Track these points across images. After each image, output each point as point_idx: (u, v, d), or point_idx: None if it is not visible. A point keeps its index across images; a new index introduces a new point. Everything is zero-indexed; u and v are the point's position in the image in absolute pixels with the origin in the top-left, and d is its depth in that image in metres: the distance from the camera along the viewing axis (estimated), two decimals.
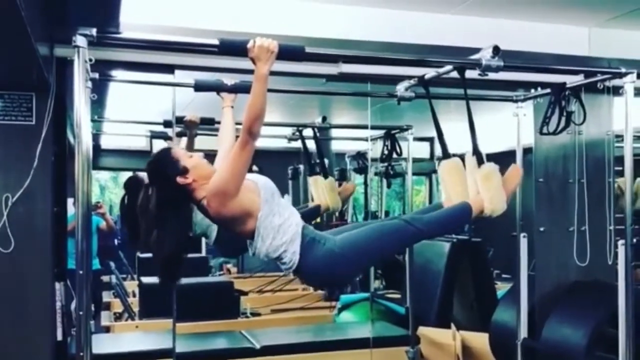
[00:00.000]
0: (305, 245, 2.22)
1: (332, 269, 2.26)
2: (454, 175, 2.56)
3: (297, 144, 4.60)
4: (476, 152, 2.57)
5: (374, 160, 4.81)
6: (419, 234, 2.41)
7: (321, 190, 4.10)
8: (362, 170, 5.79)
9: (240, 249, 2.96)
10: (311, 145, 4.54)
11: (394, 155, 4.40)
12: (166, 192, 2.14)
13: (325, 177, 4.18)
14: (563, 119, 3.10)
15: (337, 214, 6.39)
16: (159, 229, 2.12)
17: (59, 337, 3.03)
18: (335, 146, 5.89)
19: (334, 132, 5.40)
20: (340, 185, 4.48)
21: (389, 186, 5.59)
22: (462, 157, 2.64)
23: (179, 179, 2.13)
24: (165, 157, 2.20)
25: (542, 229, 3.62)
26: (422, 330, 4.25)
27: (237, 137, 2.21)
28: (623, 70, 2.79)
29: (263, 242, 2.19)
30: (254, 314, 5.21)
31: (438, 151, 6.09)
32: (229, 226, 2.27)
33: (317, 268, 2.25)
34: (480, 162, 2.54)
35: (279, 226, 2.18)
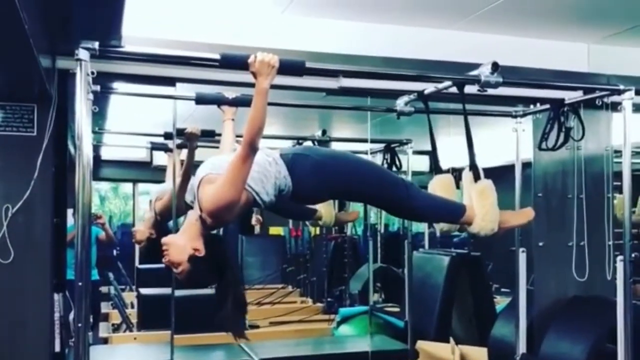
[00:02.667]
0: (290, 166, 2.22)
1: (320, 176, 2.26)
2: (445, 190, 2.57)
3: None
4: (473, 167, 2.57)
5: None
6: (405, 200, 2.38)
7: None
8: None
9: None
10: None
11: (394, 169, 4.41)
12: (215, 266, 2.17)
13: None
14: (562, 135, 3.12)
15: (336, 227, 6.41)
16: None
17: (57, 348, 3.02)
18: None
19: (334, 146, 5.40)
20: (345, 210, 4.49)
21: None
22: (462, 171, 2.66)
23: (198, 254, 2.13)
24: (190, 275, 2.17)
25: (541, 243, 3.63)
26: (421, 344, 4.25)
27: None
28: (621, 87, 2.81)
29: (262, 194, 2.17)
30: (252, 327, 5.20)
31: None
32: (236, 217, 2.28)
33: (308, 178, 2.25)
34: (476, 177, 2.54)
35: (258, 173, 2.15)
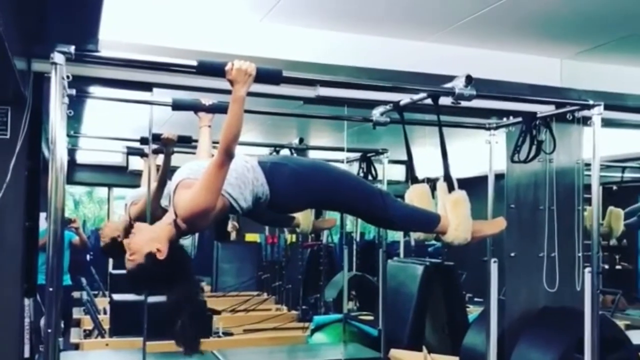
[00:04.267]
0: (268, 174, 2.23)
1: (299, 185, 2.27)
2: (422, 200, 2.61)
3: None
4: (447, 178, 2.61)
5: None
6: (382, 209, 2.39)
7: None
8: None
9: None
10: None
11: (370, 178, 4.44)
12: (168, 275, 2.11)
13: None
14: (534, 148, 3.18)
15: (312, 234, 6.42)
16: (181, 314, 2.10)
17: (26, 354, 2.98)
18: None
19: (311, 154, 5.43)
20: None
21: None
22: (436, 181, 2.69)
23: (159, 257, 2.09)
24: (140, 271, 2.11)
25: (512, 254, 3.68)
26: (394, 353, 4.27)
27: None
28: (591, 102, 2.88)
29: (239, 200, 2.17)
30: (226, 334, 5.18)
31: None
32: (211, 225, 2.26)
33: (286, 188, 2.25)
34: (450, 188, 2.58)
35: (236, 179, 2.15)
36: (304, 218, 4.00)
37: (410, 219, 2.55)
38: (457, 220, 2.47)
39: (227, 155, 2.03)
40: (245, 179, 2.18)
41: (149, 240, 2.10)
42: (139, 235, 2.13)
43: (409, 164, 2.77)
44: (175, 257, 2.13)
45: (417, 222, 2.58)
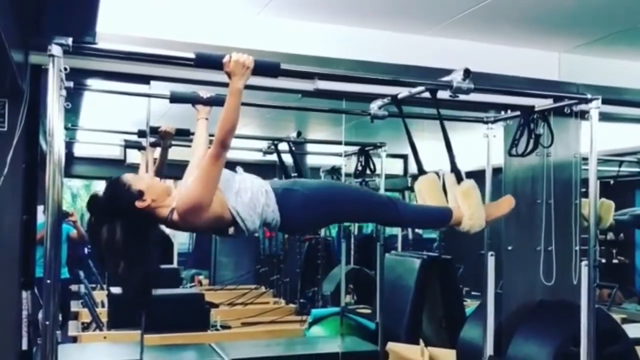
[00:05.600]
0: (280, 199, 2.25)
1: (310, 210, 2.30)
2: (432, 190, 2.62)
3: (272, 157, 4.63)
4: (455, 169, 2.63)
5: (348, 175, 4.84)
6: (395, 216, 2.47)
7: None
8: None
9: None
10: (286, 158, 4.58)
11: (368, 171, 4.45)
12: (129, 221, 2.09)
13: None
14: (531, 141, 3.18)
15: None
16: (127, 263, 2.08)
17: (24, 346, 2.98)
18: (310, 161, 5.93)
19: (309, 147, 5.43)
20: None
21: None
22: (438, 174, 2.70)
23: (138, 204, 2.08)
24: (117, 186, 2.13)
25: (509, 248, 3.69)
26: (391, 346, 4.28)
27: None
28: (589, 96, 2.88)
29: (247, 222, 2.20)
30: (224, 327, 5.20)
31: (411, 168, 6.17)
32: (207, 230, 2.29)
33: (297, 213, 2.29)
34: (459, 179, 2.59)
35: (250, 200, 2.18)
36: None
37: (424, 218, 2.64)
38: (470, 210, 2.51)
39: (223, 147, 2.04)
40: (257, 202, 2.21)
41: (156, 191, 2.13)
42: (158, 182, 2.21)
43: (413, 156, 2.78)
44: (142, 232, 2.12)
45: (430, 220, 2.67)
